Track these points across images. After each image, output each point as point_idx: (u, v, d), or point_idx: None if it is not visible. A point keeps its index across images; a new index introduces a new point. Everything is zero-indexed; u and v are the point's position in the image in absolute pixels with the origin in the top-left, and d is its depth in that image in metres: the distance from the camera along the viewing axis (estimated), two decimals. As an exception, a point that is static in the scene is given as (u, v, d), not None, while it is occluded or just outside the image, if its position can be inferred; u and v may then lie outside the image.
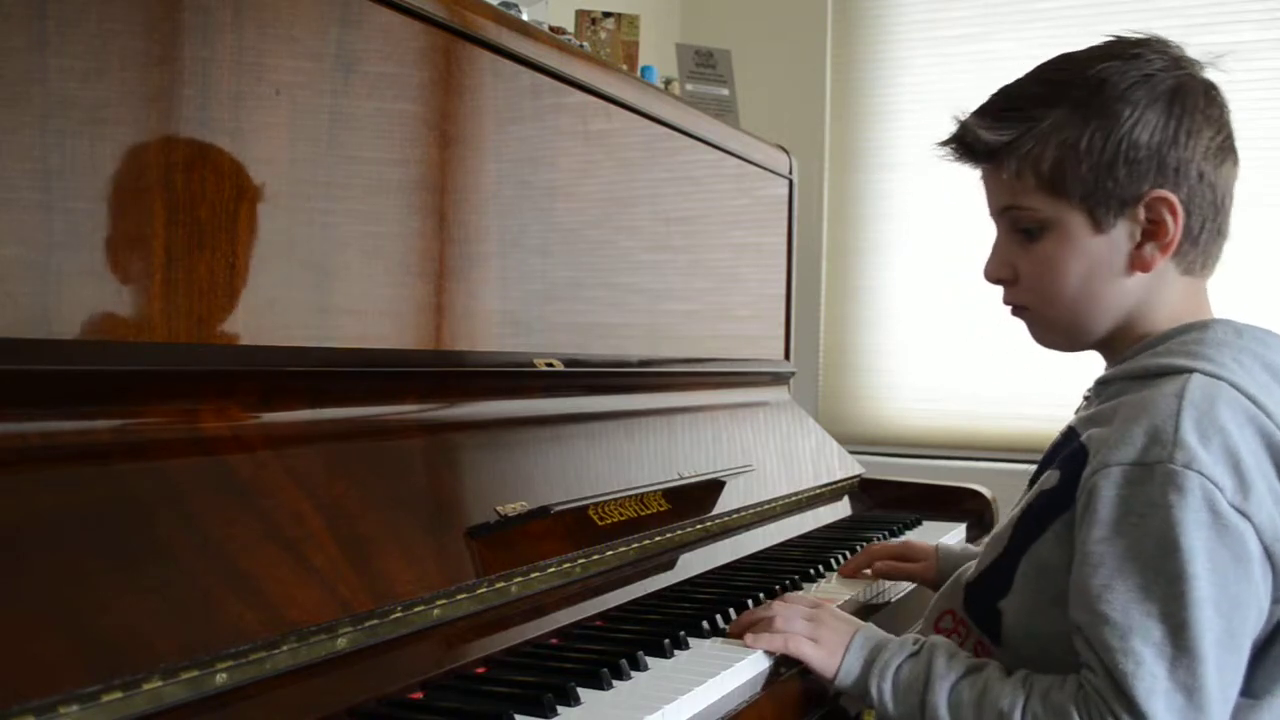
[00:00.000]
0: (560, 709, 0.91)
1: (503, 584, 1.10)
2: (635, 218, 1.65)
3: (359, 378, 1.11)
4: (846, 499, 2.12)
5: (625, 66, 2.10)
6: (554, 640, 1.13)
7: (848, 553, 1.62)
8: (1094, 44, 1.07)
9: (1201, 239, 1.04)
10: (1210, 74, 1.06)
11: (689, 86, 2.31)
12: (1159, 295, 1.06)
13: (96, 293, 0.86)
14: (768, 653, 1.11)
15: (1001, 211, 1.09)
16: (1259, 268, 2.80)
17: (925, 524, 2.00)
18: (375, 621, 0.94)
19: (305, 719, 0.84)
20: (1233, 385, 0.97)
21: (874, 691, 1.06)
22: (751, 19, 3.40)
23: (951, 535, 1.93)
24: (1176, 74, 1.03)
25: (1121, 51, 1.04)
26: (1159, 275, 1.05)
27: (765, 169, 2.10)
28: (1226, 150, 1.05)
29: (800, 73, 3.37)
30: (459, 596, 1.04)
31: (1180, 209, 1.01)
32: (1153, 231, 1.02)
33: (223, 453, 0.93)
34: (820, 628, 1.12)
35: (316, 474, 1.00)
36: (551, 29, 1.63)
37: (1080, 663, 0.97)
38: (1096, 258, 1.04)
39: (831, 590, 1.45)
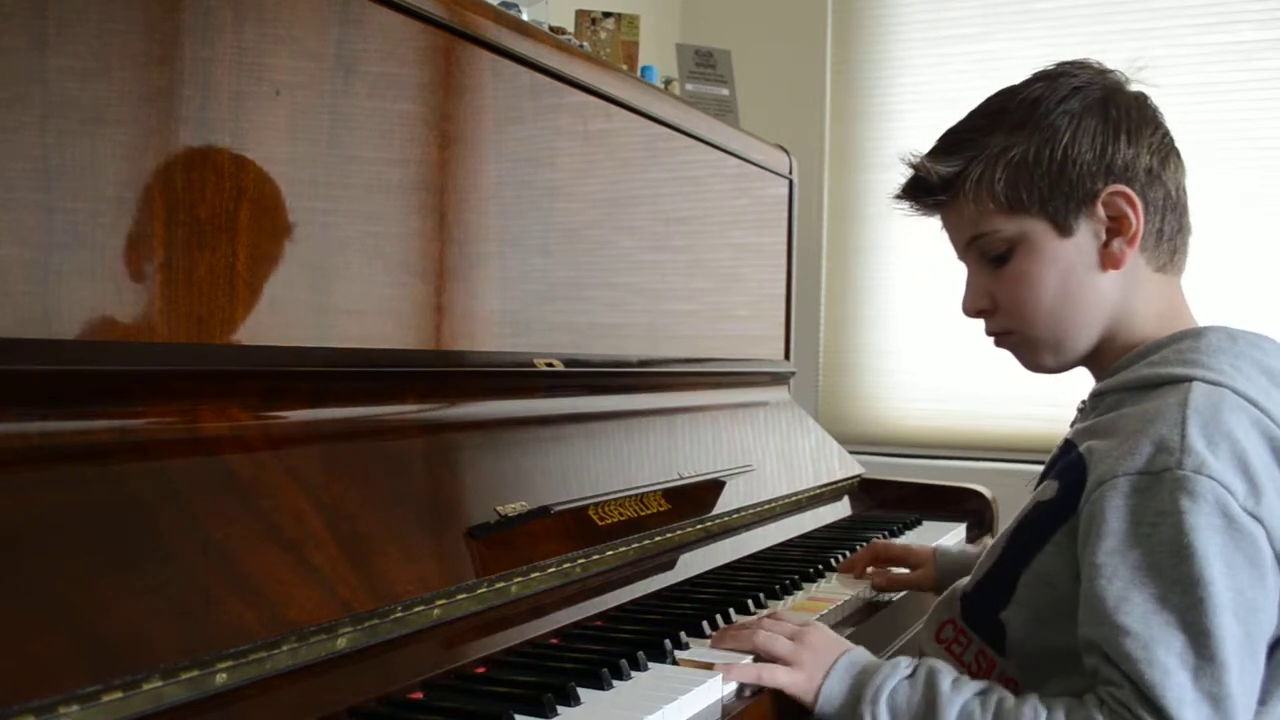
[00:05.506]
0: (560, 709, 0.91)
1: (503, 584, 1.10)
2: (635, 218, 1.65)
3: (359, 378, 1.11)
4: (846, 499, 2.12)
5: (625, 66, 2.10)
6: (554, 640, 1.13)
7: (847, 552, 1.62)
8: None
9: (1165, 233, 1.07)
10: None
11: (689, 86, 2.31)
12: (1137, 295, 1.07)
13: (96, 293, 0.86)
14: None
15: (968, 245, 1.12)
16: (1259, 268, 2.79)
17: (925, 524, 2.00)
18: (375, 621, 0.94)
19: (305, 719, 0.84)
20: (1234, 391, 0.97)
21: (867, 717, 1.00)
22: (751, 19, 3.40)
23: (951, 535, 1.93)
24: (1104, 84, 1.07)
25: (1048, 74, 1.09)
26: (1132, 274, 1.06)
27: (765, 169, 2.10)
28: (1169, 148, 1.08)
29: (800, 73, 3.37)
30: (459, 596, 1.04)
31: (1138, 201, 1.04)
32: (1116, 227, 1.05)
33: (223, 453, 0.93)
34: (802, 650, 1.06)
35: (316, 474, 1.00)
36: (551, 29, 1.63)
37: (1099, 679, 0.94)
38: (1068, 262, 1.06)
39: (832, 590, 1.45)
